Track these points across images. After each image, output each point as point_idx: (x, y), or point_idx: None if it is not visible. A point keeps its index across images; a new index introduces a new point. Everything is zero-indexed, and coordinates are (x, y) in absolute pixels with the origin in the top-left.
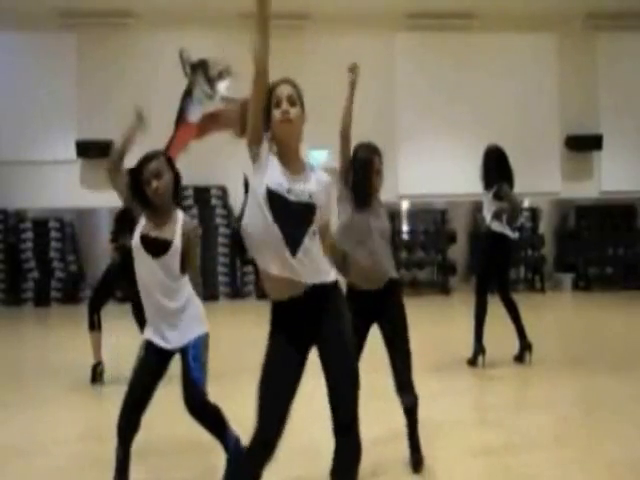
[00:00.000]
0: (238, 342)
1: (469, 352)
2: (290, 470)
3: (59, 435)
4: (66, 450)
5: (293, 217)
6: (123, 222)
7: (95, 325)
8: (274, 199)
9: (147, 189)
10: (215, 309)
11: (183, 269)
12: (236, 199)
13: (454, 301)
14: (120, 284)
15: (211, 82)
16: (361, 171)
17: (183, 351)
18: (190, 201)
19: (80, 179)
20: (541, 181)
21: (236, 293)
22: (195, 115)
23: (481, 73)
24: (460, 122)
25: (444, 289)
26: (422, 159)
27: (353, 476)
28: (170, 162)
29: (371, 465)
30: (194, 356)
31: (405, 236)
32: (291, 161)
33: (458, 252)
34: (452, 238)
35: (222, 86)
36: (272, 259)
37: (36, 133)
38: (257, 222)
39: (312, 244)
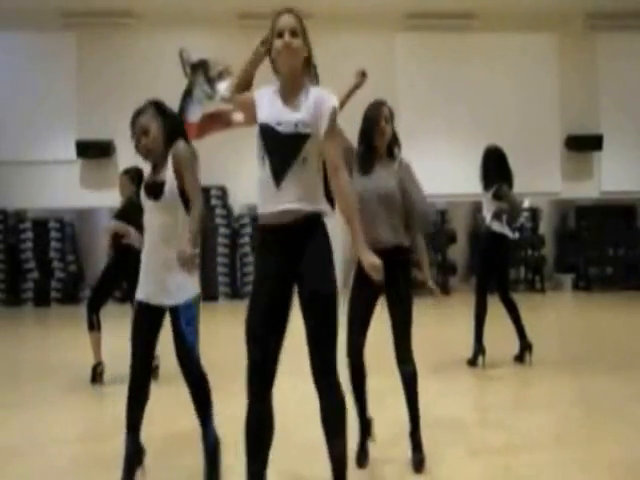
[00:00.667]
0: (238, 342)
1: (469, 352)
2: (288, 468)
3: (59, 435)
4: (66, 450)
5: (282, 148)
6: (122, 219)
7: (94, 325)
8: (266, 133)
9: (138, 146)
10: (215, 309)
11: (187, 208)
12: (236, 199)
13: (454, 301)
14: (119, 283)
15: (211, 82)
16: (365, 132)
17: (175, 311)
18: None
19: (80, 179)
20: (541, 181)
21: (236, 293)
22: (195, 115)
23: (481, 73)
24: (460, 122)
25: (444, 289)
26: (422, 159)
27: (341, 422)
28: (159, 108)
29: (372, 466)
30: (188, 319)
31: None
32: (291, 92)
33: (458, 252)
34: (452, 238)
35: (222, 86)
36: (262, 194)
37: (36, 133)
38: (258, 162)
39: (301, 172)
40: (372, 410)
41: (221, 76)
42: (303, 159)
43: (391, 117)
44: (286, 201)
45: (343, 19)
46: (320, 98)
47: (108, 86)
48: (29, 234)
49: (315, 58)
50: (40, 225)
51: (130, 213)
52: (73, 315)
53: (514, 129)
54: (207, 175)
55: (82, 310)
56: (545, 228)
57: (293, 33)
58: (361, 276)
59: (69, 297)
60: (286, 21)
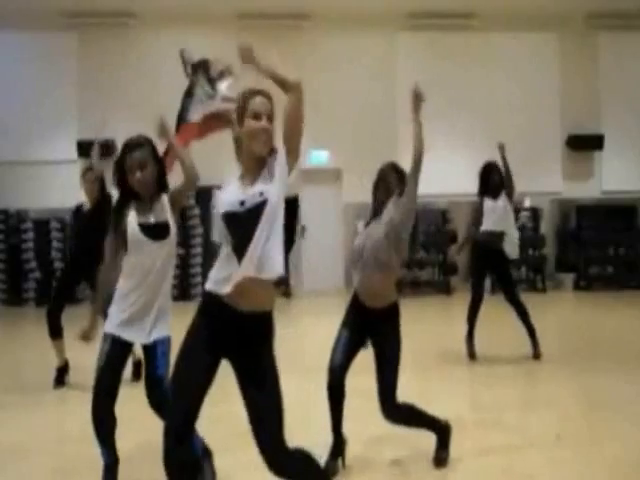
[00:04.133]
0: None
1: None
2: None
3: (59, 435)
4: (66, 450)
5: (243, 227)
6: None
7: (59, 332)
8: (227, 217)
9: (130, 178)
10: None
11: None
12: None
13: (455, 301)
14: (78, 285)
15: (212, 82)
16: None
17: (150, 347)
18: (191, 201)
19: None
20: (542, 181)
21: None
22: (196, 115)
23: (482, 73)
24: (461, 122)
25: (445, 289)
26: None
27: None
28: (155, 152)
29: (364, 465)
30: (162, 352)
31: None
32: (255, 169)
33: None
34: (453, 238)
35: (223, 86)
36: (219, 272)
37: (37, 133)
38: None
39: (260, 239)
40: (363, 410)
41: (222, 76)
42: (262, 228)
43: (401, 180)
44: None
45: (344, 19)
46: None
47: (109, 86)
48: (30, 234)
49: (316, 58)
50: (41, 225)
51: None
52: (74, 315)
53: (515, 129)
54: (207, 175)
55: (82, 310)
56: (546, 228)
57: (269, 118)
58: (350, 314)
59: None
60: (263, 104)
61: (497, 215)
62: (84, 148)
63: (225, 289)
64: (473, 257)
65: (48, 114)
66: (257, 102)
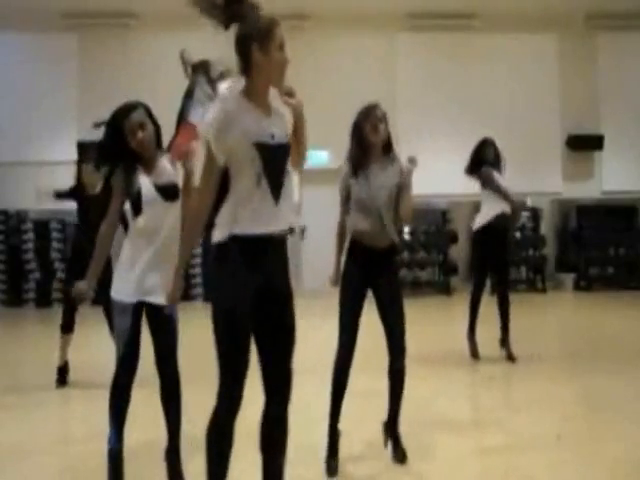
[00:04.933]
0: None
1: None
2: (290, 470)
3: (60, 435)
4: (66, 450)
5: (278, 162)
6: (75, 263)
7: (71, 327)
8: (263, 150)
9: (131, 140)
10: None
11: None
12: None
13: (455, 301)
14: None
15: (212, 83)
16: (358, 131)
17: (159, 309)
18: None
19: None
20: (542, 181)
21: None
22: (196, 116)
23: (482, 73)
24: (461, 122)
25: (445, 289)
26: (422, 159)
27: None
28: (149, 110)
29: (365, 465)
30: (173, 319)
31: (406, 236)
32: (265, 102)
33: (459, 252)
34: (453, 238)
35: (223, 87)
36: (255, 212)
37: (37, 134)
38: (242, 181)
39: (288, 184)
40: (369, 408)
41: (222, 77)
42: (287, 171)
43: (384, 118)
44: (283, 217)
45: (344, 19)
46: (279, 103)
47: (109, 87)
48: (30, 235)
49: (316, 59)
50: (41, 226)
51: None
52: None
53: (515, 129)
54: None
55: (83, 311)
56: (546, 228)
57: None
58: (355, 262)
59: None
60: (283, 36)
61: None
62: (84, 149)
63: (274, 228)
64: (480, 241)
65: (48, 115)
66: (279, 32)
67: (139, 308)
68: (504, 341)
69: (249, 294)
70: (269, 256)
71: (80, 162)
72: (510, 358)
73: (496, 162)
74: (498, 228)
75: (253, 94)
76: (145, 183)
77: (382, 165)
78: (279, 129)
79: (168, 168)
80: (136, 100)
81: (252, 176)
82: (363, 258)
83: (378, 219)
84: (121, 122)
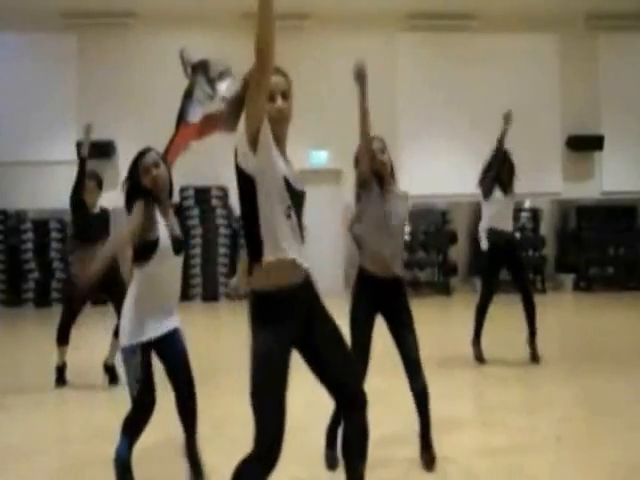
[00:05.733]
0: (236, 342)
1: (471, 353)
2: (288, 471)
3: (60, 435)
4: (67, 450)
5: (300, 206)
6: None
7: (66, 340)
8: (290, 187)
9: (145, 179)
10: (214, 309)
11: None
12: (236, 200)
13: (455, 301)
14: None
15: (212, 82)
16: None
17: (171, 334)
18: (191, 201)
19: None
20: (542, 181)
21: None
22: (195, 116)
23: (482, 73)
24: (461, 122)
25: (445, 290)
26: (422, 159)
27: (364, 452)
28: (164, 159)
29: (375, 466)
30: (183, 339)
31: (406, 236)
32: (283, 150)
33: (459, 252)
34: (453, 238)
35: (223, 87)
36: (289, 245)
37: (36, 133)
38: (273, 208)
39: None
40: (373, 413)
41: (222, 76)
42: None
43: (384, 149)
44: (305, 257)
45: (343, 19)
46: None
47: (109, 86)
48: (30, 235)
49: (315, 58)
50: (41, 226)
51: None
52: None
53: (515, 129)
54: (207, 175)
55: (83, 310)
56: (546, 228)
57: (284, 97)
58: (363, 292)
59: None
60: (277, 82)
61: (508, 212)
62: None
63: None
64: (487, 253)
65: (47, 115)
66: (276, 81)
67: (146, 347)
68: (531, 341)
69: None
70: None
71: (82, 178)
72: (534, 358)
73: (509, 174)
74: (499, 244)
75: (273, 136)
76: (163, 232)
77: (396, 195)
78: (299, 179)
79: (176, 221)
80: (148, 147)
81: (283, 206)
82: (371, 288)
83: (389, 246)
84: (136, 164)
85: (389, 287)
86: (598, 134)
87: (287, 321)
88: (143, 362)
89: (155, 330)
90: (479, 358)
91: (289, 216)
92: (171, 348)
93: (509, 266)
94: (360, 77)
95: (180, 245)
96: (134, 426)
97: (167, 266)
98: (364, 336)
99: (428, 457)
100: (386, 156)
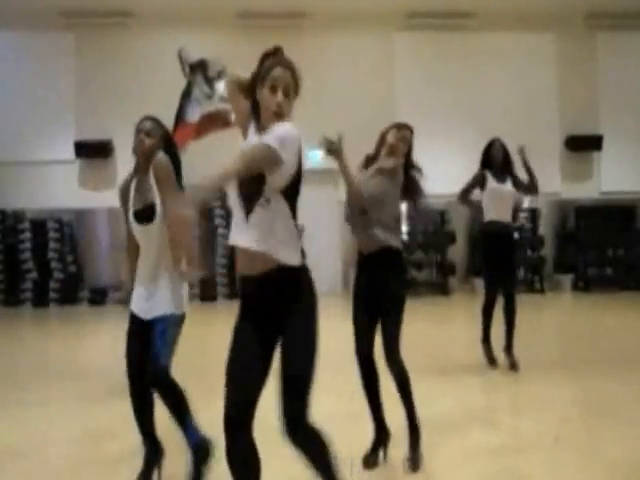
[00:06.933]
0: None
1: (469, 353)
2: (288, 471)
3: (58, 435)
4: (66, 451)
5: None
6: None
7: None
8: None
9: (135, 140)
10: (213, 309)
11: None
12: None
13: (453, 302)
14: None
15: (210, 82)
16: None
17: (152, 323)
18: None
19: (78, 179)
20: (541, 181)
21: (235, 294)
22: (194, 115)
23: (481, 73)
24: (459, 122)
25: (443, 290)
26: (421, 159)
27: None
28: (166, 137)
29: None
30: (162, 330)
31: (404, 236)
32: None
33: (457, 253)
34: (451, 239)
35: (221, 86)
36: (237, 231)
37: (34, 133)
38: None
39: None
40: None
41: (220, 76)
42: (266, 200)
43: (406, 141)
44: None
45: (342, 18)
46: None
47: (107, 86)
48: (27, 234)
49: (314, 58)
50: (39, 225)
51: None
52: (71, 316)
53: (514, 129)
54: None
55: (80, 311)
56: (544, 228)
57: (286, 93)
58: (360, 274)
59: (68, 298)
60: (281, 77)
61: (505, 203)
62: (81, 148)
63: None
64: (482, 249)
65: (45, 114)
66: (275, 72)
67: (136, 318)
68: (509, 350)
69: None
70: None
71: None
72: (513, 367)
73: (506, 163)
74: (492, 233)
75: (260, 130)
76: (130, 208)
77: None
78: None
79: (154, 185)
80: (158, 120)
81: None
82: (362, 267)
83: (363, 222)
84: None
85: (374, 260)
86: (597, 134)
87: (249, 310)
88: (127, 330)
89: (136, 306)
90: (491, 361)
91: (239, 200)
92: (150, 336)
93: (501, 262)
94: (332, 152)
95: (146, 213)
96: (133, 410)
97: (137, 234)
98: (358, 314)
99: (413, 456)
100: (403, 146)
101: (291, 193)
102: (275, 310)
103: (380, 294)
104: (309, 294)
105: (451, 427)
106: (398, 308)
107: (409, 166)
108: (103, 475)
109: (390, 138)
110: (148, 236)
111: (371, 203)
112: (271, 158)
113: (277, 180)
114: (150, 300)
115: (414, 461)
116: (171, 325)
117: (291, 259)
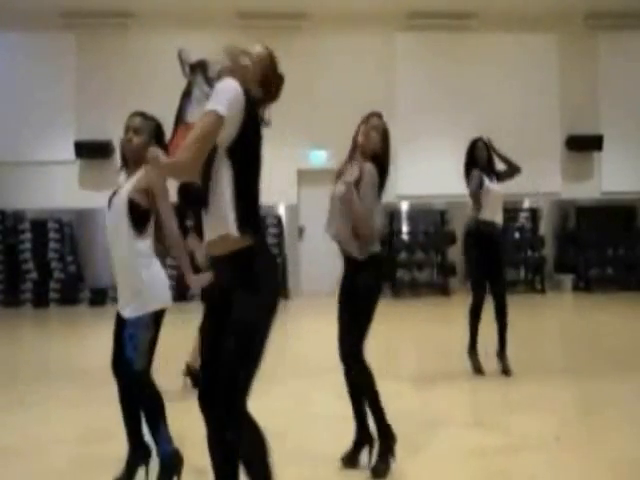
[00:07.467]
0: None
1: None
2: (288, 471)
3: (58, 436)
4: (65, 451)
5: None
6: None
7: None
8: None
9: (123, 138)
10: None
11: (140, 230)
12: None
13: (453, 302)
14: None
15: (210, 82)
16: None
17: (124, 325)
18: None
19: (79, 180)
20: (541, 181)
21: None
22: (194, 115)
23: (481, 73)
24: (460, 122)
25: (443, 290)
26: (421, 159)
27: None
28: (158, 132)
29: (364, 465)
30: (130, 335)
31: (404, 237)
32: None
33: (458, 253)
34: (452, 239)
35: None
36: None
37: (35, 133)
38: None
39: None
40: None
41: (220, 76)
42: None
43: (383, 131)
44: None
45: (343, 19)
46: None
47: (107, 86)
48: (28, 235)
49: (315, 58)
50: (39, 226)
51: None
52: (72, 316)
53: (514, 129)
54: None
55: (80, 311)
56: (545, 228)
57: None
58: (344, 288)
59: (68, 298)
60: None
61: (498, 202)
62: (81, 148)
63: None
64: (470, 250)
65: (46, 114)
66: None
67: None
68: (502, 354)
69: None
70: None
71: None
72: (505, 372)
73: (490, 162)
74: (484, 233)
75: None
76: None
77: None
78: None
79: (134, 181)
80: (151, 116)
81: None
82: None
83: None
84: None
85: (349, 266)
86: (597, 134)
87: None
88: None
89: (119, 305)
90: (477, 369)
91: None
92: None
93: (490, 262)
94: (342, 200)
95: (113, 198)
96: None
97: (108, 223)
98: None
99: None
100: (376, 134)
101: (241, 157)
102: (225, 292)
103: (352, 295)
104: (255, 275)
105: (450, 427)
106: (365, 309)
107: (383, 158)
108: (103, 475)
109: (360, 138)
110: (118, 233)
111: (345, 206)
112: (215, 120)
113: (221, 135)
114: (120, 298)
115: (376, 471)
116: (140, 328)
117: (230, 229)
